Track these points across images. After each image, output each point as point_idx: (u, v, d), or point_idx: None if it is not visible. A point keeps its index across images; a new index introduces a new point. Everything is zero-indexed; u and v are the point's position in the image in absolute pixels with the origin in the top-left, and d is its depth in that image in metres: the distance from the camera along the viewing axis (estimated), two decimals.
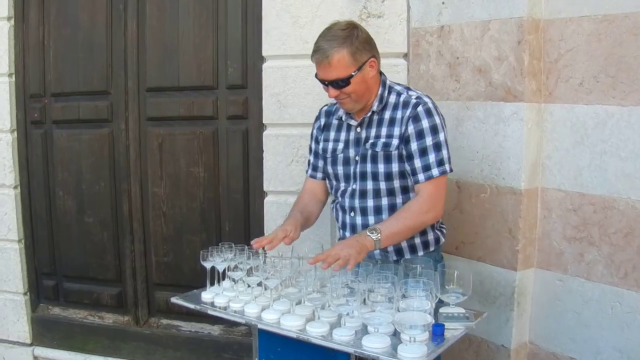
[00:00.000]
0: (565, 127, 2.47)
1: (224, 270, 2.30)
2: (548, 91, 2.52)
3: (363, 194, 2.27)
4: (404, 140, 2.19)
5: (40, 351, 3.79)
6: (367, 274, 2.02)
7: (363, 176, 2.27)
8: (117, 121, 3.51)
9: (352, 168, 2.30)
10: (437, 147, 2.17)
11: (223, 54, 3.26)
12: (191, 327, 3.52)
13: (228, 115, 3.31)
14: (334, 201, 2.43)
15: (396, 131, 2.20)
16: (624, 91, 2.27)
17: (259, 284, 2.21)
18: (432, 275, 1.95)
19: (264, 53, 3.09)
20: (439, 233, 2.34)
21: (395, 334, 1.83)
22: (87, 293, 3.73)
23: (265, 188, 3.18)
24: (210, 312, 2.18)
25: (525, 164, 2.52)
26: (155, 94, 3.42)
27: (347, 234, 2.33)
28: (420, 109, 2.17)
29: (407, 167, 2.21)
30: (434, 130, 2.17)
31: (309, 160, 2.49)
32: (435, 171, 2.16)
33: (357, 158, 2.28)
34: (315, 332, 1.90)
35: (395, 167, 2.22)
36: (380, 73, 2.27)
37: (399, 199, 2.25)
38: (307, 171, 2.51)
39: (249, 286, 2.23)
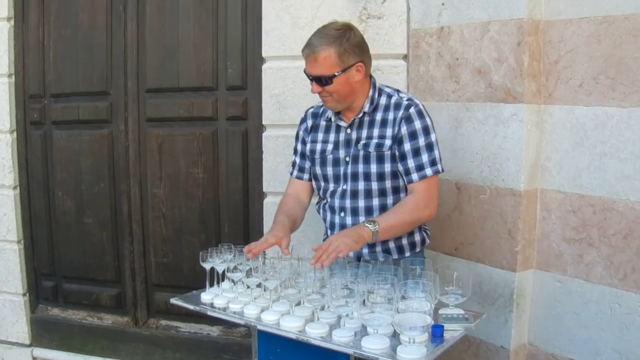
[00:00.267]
0: (565, 128, 2.47)
1: (224, 272, 2.30)
2: (548, 92, 2.52)
3: (354, 195, 2.29)
4: (397, 140, 2.22)
5: (39, 352, 3.78)
6: (366, 275, 2.02)
7: (354, 177, 2.28)
8: (116, 122, 3.51)
9: (342, 169, 2.31)
10: (429, 147, 2.22)
11: (223, 55, 3.26)
12: (190, 328, 3.52)
13: (228, 116, 3.31)
14: (319, 202, 2.44)
15: (389, 132, 2.23)
16: (623, 92, 2.27)
17: (259, 285, 2.21)
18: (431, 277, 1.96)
19: (264, 54, 3.09)
20: (424, 234, 2.39)
21: (395, 335, 1.83)
22: (86, 294, 3.73)
23: (264, 189, 3.19)
24: (209, 313, 2.18)
25: (525, 165, 2.52)
26: (154, 94, 3.43)
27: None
28: (412, 110, 2.21)
29: (400, 167, 2.24)
30: (426, 131, 2.22)
31: (294, 162, 2.50)
32: (428, 171, 2.20)
33: (347, 159, 2.30)
34: (315, 333, 1.90)
35: (387, 167, 2.24)
36: (370, 76, 2.30)
37: (389, 200, 2.28)
38: (291, 173, 2.52)
39: (248, 287, 2.23)
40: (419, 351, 1.73)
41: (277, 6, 3.02)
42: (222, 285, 2.30)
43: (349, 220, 2.31)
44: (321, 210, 2.42)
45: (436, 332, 1.86)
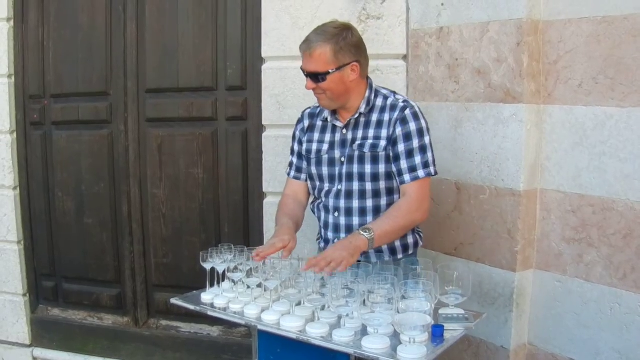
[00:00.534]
0: (565, 128, 2.48)
1: (224, 272, 2.30)
2: (547, 92, 2.52)
3: (349, 195, 2.30)
4: (392, 141, 2.23)
5: (39, 352, 3.79)
6: (366, 275, 2.02)
7: (349, 177, 2.29)
8: (116, 122, 3.51)
9: (337, 169, 2.32)
10: (423, 149, 2.23)
11: (222, 55, 3.26)
12: (190, 328, 3.52)
13: (227, 116, 3.31)
14: (314, 201, 2.45)
15: (384, 133, 2.25)
16: (623, 92, 2.28)
17: (259, 285, 2.21)
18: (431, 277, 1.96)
19: (264, 54, 3.09)
20: (417, 237, 2.39)
21: (395, 335, 1.83)
22: (87, 294, 3.73)
23: (264, 189, 3.19)
24: (210, 313, 2.18)
25: (525, 166, 2.52)
26: (154, 95, 3.43)
27: (330, 233, 2.35)
28: (407, 112, 2.23)
29: (394, 168, 2.25)
30: (420, 133, 2.23)
31: (291, 162, 2.51)
32: (421, 172, 2.21)
33: (342, 159, 2.31)
34: (315, 333, 1.90)
35: (382, 168, 2.26)
36: (367, 77, 2.31)
37: (383, 201, 2.29)
38: (288, 173, 2.52)
39: (248, 287, 2.23)
40: (419, 351, 1.74)
41: (276, 6, 3.02)
42: (222, 286, 2.31)
43: (342, 220, 2.31)
44: (316, 210, 2.43)
45: (436, 332, 1.86)
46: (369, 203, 2.28)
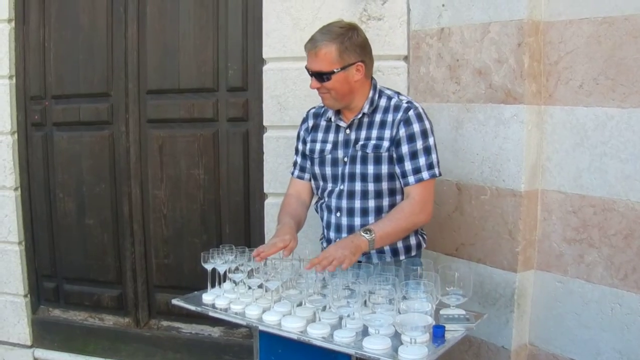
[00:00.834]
0: (565, 129, 2.48)
1: (225, 272, 2.30)
2: (548, 93, 2.52)
3: (351, 195, 2.30)
4: (395, 142, 2.23)
5: (40, 353, 3.79)
6: (367, 275, 2.02)
7: (352, 177, 2.29)
8: (117, 123, 3.51)
9: (340, 169, 2.32)
10: (427, 151, 2.22)
11: (223, 56, 3.26)
12: (191, 329, 3.52)
13: (228, 117, 3.31)
14: (317, 201, 2.45)
15: (387, 134, 2.24)
16: (623, 93, 2.28)
17: (260, 286, 2.22)
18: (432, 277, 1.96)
19: (265, 55, 3.09)
20: (420, 238, 2.38)
21: (396, 336, 1.83)
22: (88, 295, 3.73)
23: (265, 190, 3.19)
24: (211, 313, 2.18)
25: (526, 166, 2.52)
26: (155, 96, 3.43)
27: (332, 233, 2.36)
28: (411, 113, 2.22)
29: (397, 170, 2.24)
30: (424, 134, 2.22)
31: (295, 162, 2.51)
32: (425, 174, 2.21)
33: (345, 159, 2.31)
34: (316, 334, 1.90)
35: (384, 168, 2.25)
36: (372, 78, 2.31)
37: (385, 202, 2.28)
38: (292, 173, 2.52)
39: (249, 288, 2.24)
40: (420, 351, 1.74)
41: (277, 7, 3.02)
42: (223, 286, 2.31)
43: (344, 220, 2.32)
44: (319, 210, 2.44)
45: (437, 333, 1.86)
46: (371, 203, 2.28)
